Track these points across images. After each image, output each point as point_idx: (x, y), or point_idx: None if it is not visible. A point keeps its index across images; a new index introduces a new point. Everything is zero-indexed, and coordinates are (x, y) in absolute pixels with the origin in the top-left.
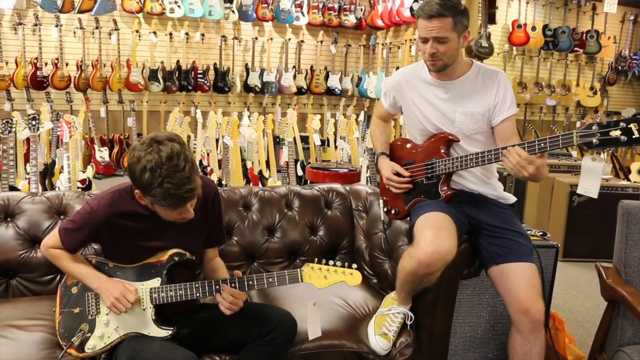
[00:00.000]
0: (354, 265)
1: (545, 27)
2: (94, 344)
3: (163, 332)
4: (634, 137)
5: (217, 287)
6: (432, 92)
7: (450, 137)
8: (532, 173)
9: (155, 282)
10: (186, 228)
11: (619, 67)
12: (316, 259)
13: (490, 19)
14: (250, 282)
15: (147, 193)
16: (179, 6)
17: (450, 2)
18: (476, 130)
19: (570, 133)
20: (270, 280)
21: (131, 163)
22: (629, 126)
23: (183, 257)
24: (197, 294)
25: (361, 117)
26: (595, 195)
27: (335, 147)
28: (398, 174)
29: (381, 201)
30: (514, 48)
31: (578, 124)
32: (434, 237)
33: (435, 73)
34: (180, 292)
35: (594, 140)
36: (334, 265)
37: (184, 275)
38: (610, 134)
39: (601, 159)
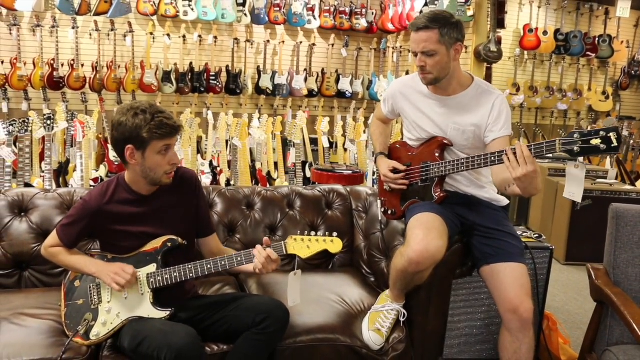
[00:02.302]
0: (335, 234)
1: (557, 31)
2: (98, 331)
3: (161, 314)
4: (612, 145)
5: (203, 266)
6: (428, 105)
7: (445, 141)
8: (524, 174)
9: (152, 267)
10: (174, 210)
11: (632, 72)
12: (299, 231)
13: (500, 23)
14: (239, 258)
15: (142, 131)
16: (192, 9)
17: (438, 15)
18: (466, 145)
19: (554, 141)
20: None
21: (120, 120)
22: (608, 135)
23: (175, 242)
24: (191, 274)
25: (371, 120)
26: (579, 200)
27: (345, 150)
28: (395, 171)
29: (379, 202)
30: (526, 52)
31: (589, 128)
32: (424, 236)
33: (432, 87)
34: (175, 274)
35: (576, 148)
36: (316, 235)
37: (179, 261)
38: (591, 142)
39: (583, 166)
